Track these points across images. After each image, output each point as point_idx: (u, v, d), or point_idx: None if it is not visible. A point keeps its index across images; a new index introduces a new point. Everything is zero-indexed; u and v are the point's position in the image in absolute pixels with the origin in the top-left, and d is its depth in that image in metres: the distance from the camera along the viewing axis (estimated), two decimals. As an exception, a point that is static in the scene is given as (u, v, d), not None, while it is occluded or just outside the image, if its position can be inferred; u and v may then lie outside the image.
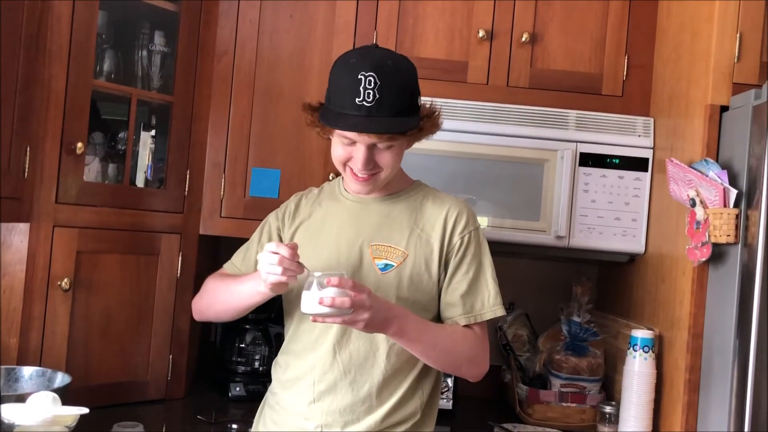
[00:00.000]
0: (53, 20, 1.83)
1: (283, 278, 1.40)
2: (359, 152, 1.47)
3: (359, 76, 1.42)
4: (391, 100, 1.43)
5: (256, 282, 1.48)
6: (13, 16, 1.69)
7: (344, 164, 1.53)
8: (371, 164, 1.49)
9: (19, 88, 1.73)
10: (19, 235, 1.83)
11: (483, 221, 2.12)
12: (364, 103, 1.42)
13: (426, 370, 1.58)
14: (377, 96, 1.42)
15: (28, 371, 1.75)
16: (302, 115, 1.57)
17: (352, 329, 1.52)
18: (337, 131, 1.48)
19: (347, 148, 1.49)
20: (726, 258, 1.71)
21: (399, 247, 1.54)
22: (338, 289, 1.33)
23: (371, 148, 1.47)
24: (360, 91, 1.42)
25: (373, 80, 1.42)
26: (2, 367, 1.73)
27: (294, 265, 1.41)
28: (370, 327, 1.39)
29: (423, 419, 1.58)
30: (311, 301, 1.34)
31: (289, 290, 1.59)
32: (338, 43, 2.19)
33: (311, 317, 1.37)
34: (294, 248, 1.42)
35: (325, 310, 1.33)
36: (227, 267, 1.71)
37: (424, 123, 1.51)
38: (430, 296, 1.55)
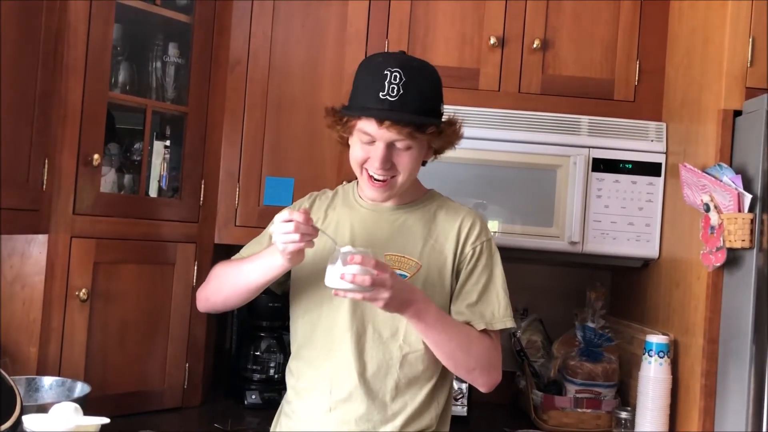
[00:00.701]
0: (70, 35, 1.86)
1: (301, 244, 1.40)
2: (378, 150, 1.47)
3: (385, 72, 1.44)
4: (414, 98, 1.44)
5: (272, 257, 1.48)
6: (32, 32, 1.72)
7: (362, 166, 1.52)
8: (389, 164, 1.48)
9: (37, 101, 1.76)
10: (37, 246, 1.85)
11: (495, 227, 2.13)
12: (388, 97, 1.43)
13: (441, 380, 1.59)
14: (401, 91, 1.43)
15: (48, 381, 1.78)
16: (323, 119, 1.57)
17: (366, 340, 1.53)
18: (358, 128, 1.49)
19: (366, 147, 1.49)
20: (741, 263, 1.71)
21: (413, 258, 1.54)
22: (361, 266, 1.34)
23: (390, 147, 1.47)
24: (385, 85, 1.43)
25: (399, 75, 1.43)
26: (23, 377, 1.76)
27: (309, 229, 1.41)
28: (390, 306, 1.39)
29: (440, 427, 1.59)
30: (334, 275, 1.36)
31: (298, 291, 1.60)
32: (350, 51, 2.20)
33: (333, 291, 1.38)
34: (307, 213, 1.42)
35: (347, 285, 1.34)
36: (235, 258, 1.69)
37: (444, 128, 1.51)
38: (442, 307, 1.55)
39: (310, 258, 1.56)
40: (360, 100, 1.48)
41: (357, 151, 1.52)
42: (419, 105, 1.45)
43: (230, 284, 1.59)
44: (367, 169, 1.52)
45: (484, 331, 1.54)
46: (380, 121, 1.44)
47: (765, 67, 1.78)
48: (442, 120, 1.52)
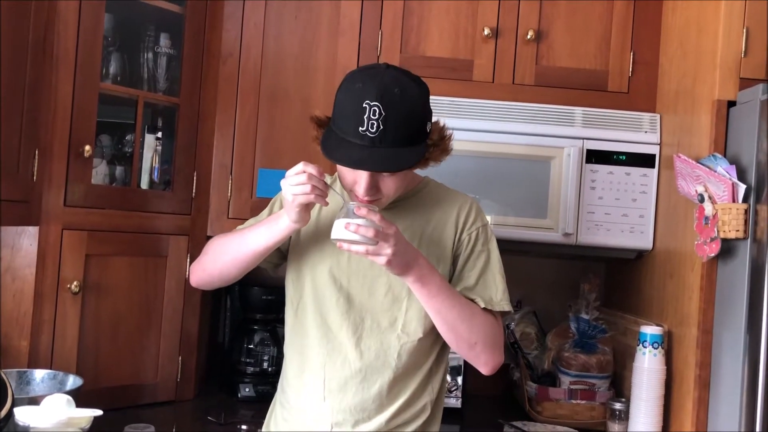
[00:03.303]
0: (60, 25, 1.84)
1: (312, 197, 1.39)
2: (362, 179, 1.44)
3: (364, 105, 1.37)
4: (395, 132, 1.39)
5: (277, 220, 1.47)
6: (21, 22, 1.70)
7: (350, 188, 1.50)
8: (374, 190, 1.46)
9: (27, 92, 1.74)
10: (28, 238, 1.83)
11: (489, 219, 2.12)
12: (368, 133, 1.38)
13: (436, 366, 1.58)
14: (381, 127, 1.37)
15: (39, 374, 1.76)
16: (310, 126, 1.54)
17: (364, 329, 1.52)
18: None
19: (351, 172, 1.45)
20: (735, 253, 1.71)
21: (411, 245, 1.53)
22: (367, 218, 1.34)
23: (374, 176, 1.44)
24: (364, 120, 1.37)
25: (378, 110, 1.37)
26: (14, 370, 1.74)
27: (322, 183, 1.40)
28: (393, 265, 1.38)
29: (433, 416, 1.59)
30: (339, 226, 1.36)
31: (294, 276, 1.58)
32: (343, 43, 2.19)
33: (337, 243, 1.38)
34: (320, 168, 1.41)
35: (351, 236, 1.34)
36: (233, 231, 1.66)
37: (431, 152, 1.47)
38: (445, 278, 1.54)
39: (308, 242, 1.56)
40: (341, 128, 1.42)
41: (343, 173, 1.48)
42: (401, 136, 1.40)
43: (231, 252, 1.56)
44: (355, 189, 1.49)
45: (486, 310, 1.53)
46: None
47: (759, 58, 1.78)
48: (429, 140, 1.46)
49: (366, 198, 1.47)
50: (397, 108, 1.38)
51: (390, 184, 1.47)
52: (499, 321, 1.56)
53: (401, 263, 1.39)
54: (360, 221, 1.35)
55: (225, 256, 1.57)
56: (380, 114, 1.37)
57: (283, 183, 1.42)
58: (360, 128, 1.38)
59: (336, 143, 1.43)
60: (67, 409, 1.41)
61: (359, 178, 1.45)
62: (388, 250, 1.36)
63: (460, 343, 1.51)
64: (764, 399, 1.60)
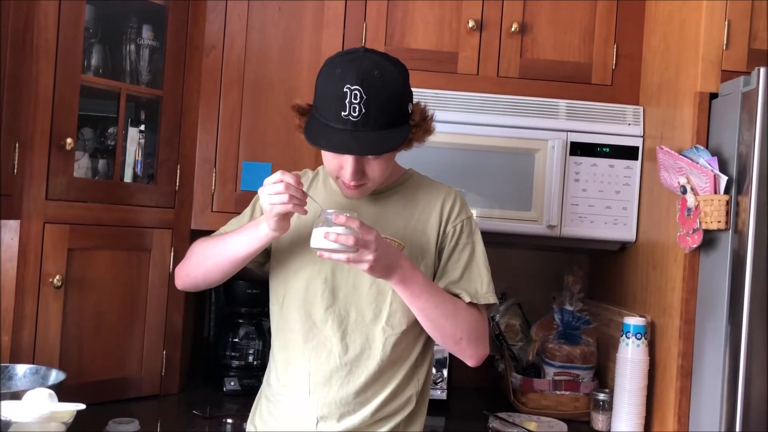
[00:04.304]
0: (40, 15, 1.81)
1: (290, 206, 1.38)
2: (347, 164, 1.44)
3: (345, 89, 1.38)
4: (377, 114, 1.39)
5: (257, 227, 1.47)
6: (0, 12, 1.67)
7: (335, 174, 1.50)
8: (359, 174, 1.46)
9: (6, 84, 1.72)
10: (9, 232, 1.81)
11: (474, 212, 2.12)
12: (350, 117, 1.38)
13: (421, 358, 1.59)
14: (363, 110, 1.38)
15: (21, 369, 1.74)
16: (293, 117, 1.53)
17: (348, 322, 1.52)
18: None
19: (336, 158, 1.46)
20: (717, 244, 1.73)
21: (395, 239, 1.53)
22: (346, 227, 1.34)
23: (359, 160, 1.45)
24: (345, 105, 1.38)
25: (359, 94, 1.37)
26: (-5, 365, 1.73)
27: (299, 192, 1.39)
28: (375, 270, 1.38)
29: (418, 407, 1.59)
30: (319, 236, 1.35)
31: (278, 272, 1.58)
32: (327, 35, 2.18)
33: (318, 253, 1.37)
34: (298, 176, 1.40)
35: (330, 245, 1.34)
36: (216, 234, 1.66)
37: (415, 133, 1.48)
38: (428, 277, 1.54)
39: (291, 236, 1.55)
40: (323, 112, 1.43)
41: (328, 160, 1.48)
42: (384, 118, 1.40)
43: (213, 258, 1.56)
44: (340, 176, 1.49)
45: (471, 304, 1.53)
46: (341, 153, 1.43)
47: (740, 50, 1.80)
48: (412, 121, 1.47)
49: (352, 183, 1.47)
50: (378, 91, 1.39)
51: (376, 168, 1.47)
52: (483, 314, 1.56)
53: (383, 267, 1.39)
54: (339, 229, 1.34)
55: (208, 261, 1.57)
56: (361, 97, 1.37)
57: (260, 191, 1.41)
58: (342, 113, 1.38)
59: (319, 129, 1.43)
60: (50, 403, 1.40)
61: (344, 164, 1.45)
62: (369, 256, 1.35)
63: (445, 338, 1.53)
64: (744, 388, 1.63)
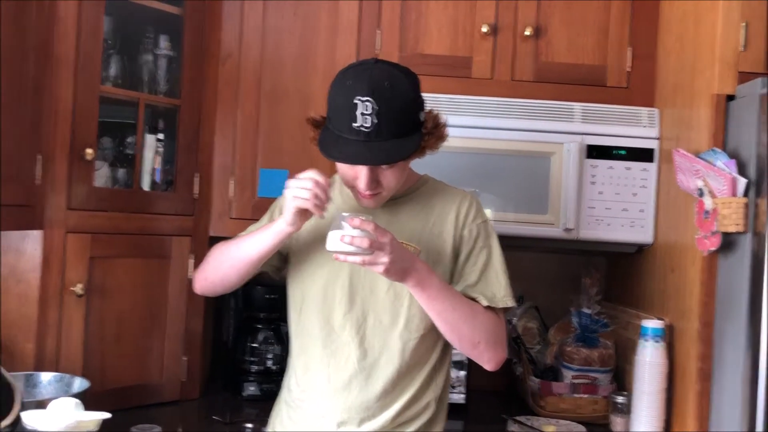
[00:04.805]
0: (60, 28, 1.84)
1: (309, 204, 1.40)
2: (362, 174, 1.46)
3: (355, 101, 1.39)
4: (389, 124, 1.40)
5: (270, 226, 1.49)
6: (22, 25, 1.70)
7: (351, 184, 1.52)
8: (374, 184, 1.47)
9: (28, 96, 1.75)
10: (32, 242, 1.84)
11: (490, 215, 2.12)
12: (362, 128, 1.39)
13: (439, 363, 1.59)
14: (375, 121, 1.39)
15: (46, 377, 1.77)
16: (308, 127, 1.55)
17: (366, 327, 1.53)
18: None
19: (351, 168, 1.47)
20: (735, 247, 1.72)
21: (411, 243, 1.54)
22: (362, 230, 1.35)
23: (374, 170, 1.46)
24: (357, 116, 1.39)
25: (370, 105, 1.38)
26: (21, 373, 1.75)
27: (324, 194, 1.41)
28: (391, 273, 1.39)
29: (437, 412, 1.59)
30: (335, 238, 1.36)
31: (295, 278, 1.60)
32: (342, 42, 2.20)
33: (333, 255, 1.38)
34: (328, 182, 1.43)
35: (346, 247, 1.35)
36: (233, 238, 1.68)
37: (427, 141, 1.48)
38: (444, 280, 1.55)
39: (308, 241, 1.57)
40: (335, 124, 1.44)
41: (343, 170, 1.50)
42: (396, 127, 1.42)
43: (229, 260, 1.58)
44: (356, 185, 1.50)
45: (488, 308, 1.54)
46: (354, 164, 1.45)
47: (758, 52, 1.78)
48: (424, 129, 1.47)
49: (367, 193, 1.48)
50: (389, 101, 1.40)
51: (390, 177, 1.48)
52: (501, 317, 1.57)
53: (398, 270, 1.40)
54: (354, 232, 1.35)
55: (224, 264, 1.59)
56: (373, 108, 1.39)
57: (289, 182, 1.44)
58: (354, 124, 1.39)
59: (332, 141, 1.44)
60: (75, 412, 1.42)
61: (359, 174, 1.46)
62: (384, 258, 1.36)
63: (463, 342, 1.53)
64: (766, 390, 1.62)
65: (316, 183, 1.40)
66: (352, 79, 1.42)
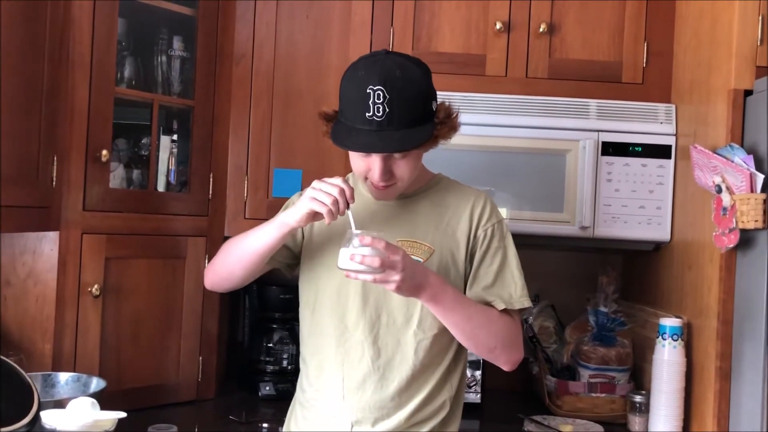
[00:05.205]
0: (75, 30, 1.85)
1: (324, 209, 1.40)
2: (375, 164, 1.46)
3: (368, 90, 1.39)
4: (401, 113, 1.40)
5: (276, 219, 1.49)
6: (37, 29, 1.72)
7: (364, 176, 1.52)
8: (388, 175, 1.47)
9: (44, 99, 1.76)
10: (48, 243, 1.86)
11: (505, 214, 2.12)
12: (375, 117, 1.39)
13: (454, 363, 1.59)
14: (387, 110, 1.39)
15: (63, 377, 1.79)
16: (321, 122, 1.55)
17: (380, 326, 1.53)
18: None
19: (364, 159, 1.48)
20: (754, 244, 1.70)
21: (425, 243, 1.54)
22: (372, 248, 1.34)
23: (387, 159, 1.46)
24: (369, 105, 1.39)
25: (382, 94, 1.39)
26: (39, 373, 1.77)
27: (344, 205, 1.41)
28: (403, 290, 1.39)
29: (452, 412, 1.59)
30: (345, 257, 1.36)
31: (308, 277, 1.60)
32: (355, 42, 2.20)
33: (345, 273, 1.38)
34: (352, 190, 1.43)
35: (357, 266, 1.34)
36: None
37: (440, 130, 1.47)
38: (458, 290, 1.54)
39: (320, 240, 1.56)
40: (348, 118, 1.45)
41: (356, 162, 1.50)
42: (408, 116, 1.42)
43: (235, 254, 1.58)
44: (369, 178, 1.51)
45: (504, 311, 1.53)
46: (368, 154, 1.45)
47: (775, 46, 1.76)
48: (437, 119, 1.47)
49: (381, 184, 1.48)
50: (401, 89, 1.40)
51: (403, 167, 1.48)
52: (517, 319, 1.56)
53: (411, 287, 1.40)
54: (365, 251, 1.34)
55: (231, 258, 1.59)
56: (385, 97, 1.39)
57: (314, 183, 1.44)
58: (367, 114, 1.40)
59: (345, 132, 1.45)
60: (92, 411, 1.43)
61: (372, 165, 1.47)
62: (396, 276, 1.35)
63: (479, 348, 1.54)
64: (787, 390, 1.60)
65: (342, 191, 1.40)
66: (364, 69, 1.43)
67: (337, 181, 1.43)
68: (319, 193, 1.41)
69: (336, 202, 1.40)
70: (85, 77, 1.88)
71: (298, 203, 1.46)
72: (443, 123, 1.48)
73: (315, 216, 1.45)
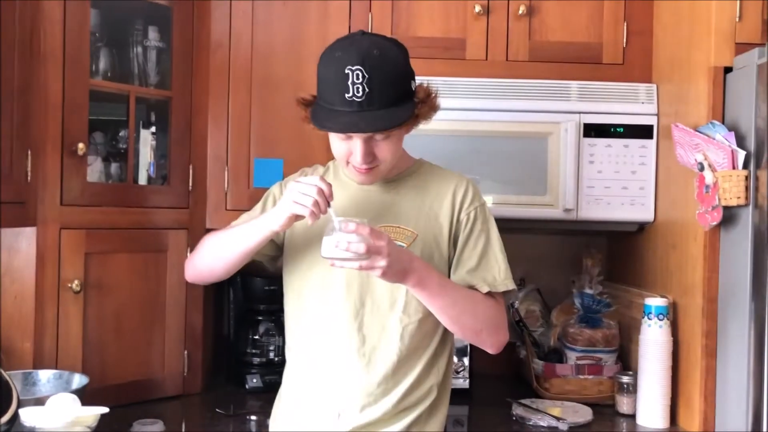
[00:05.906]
0: (45, 22, 1.81)
1: (306, 211, 1.39)
2: (357, 147, 1.45)
3: (346, 71, 1.38)
4: (381, 93, 1.39)
5: (259, 224, 1.48)
6: (5, 20, 1.67)
7: (346, 160, 1.51)
8: (370, 157, 1.46)
9: (16, 92, 1.72)
10: (26, 239, 1.82)
11: (489, 199, 2.11)
12: (354, 98, 1.38)
13: (440, 347, 1.58)
14: (367, 90, 1.38)
15: (45, 375, 1.76)
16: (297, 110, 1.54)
17: (365, 313, 1.52)
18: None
19: (345, 142, 1.47)
20: (737, 220, 1.70)
21: (408, 228, 1.53)
22: (357, 234, 1.32)
23: (368, 141, 1.45)
24: (348, 86, 1.38)
25: (360, 74, 1.37)
26: (19, 371, 1.74)
27: (325, 203, 1.39)
28: (389, 276, 1.38)
29: (439, 398, 1.58)
30: (330, 245, 1.34)
31: (291, 266, 1.59)
32: (333, 28, 2.17)
33: (330, 262, 1.37)
34: (330, 187, 1.41)
35: (342, 254, 1.33)
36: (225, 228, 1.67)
37: (420, 109, 1.47)
38: (443, 274, 1.54)
39: (304, 229, 1.55)
40: (327, 100, 1.43)
41: (337, 146, 1.49)
42: (388, 96, 1.40)
43: (216, 250, 1.57)
44: (351, 161, 1.49)
45: (488, 294, 1.53)
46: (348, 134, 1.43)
47: (754, 22, 1.76)
48: (416, 99, 1.46)
49: (363, 167, 1.47)
50: (380, 68, 1.39)
51: (385, 149, 1.47)
52: (501, 301, 1.56)
53: (396, 272, 1.39)
54: (350, 237, 1.33)
55: (212, 254, 1.58)
56: (364, 77, 1.38)
57: (292, 185, 1.42)
58: (346, 95, 1.38)
59: (325, 115, 1.43)
60: (73, 408, 1.41)
61: (354, 148, 1.45)
62: (381, 262, 1.35)
63: (465, 332, 1.54)
64: (772, 365, 1.60)
65: (320, 191, 1.39)
66: (341, 50, 1.41)
67: (315, 180, 1.41)
68: (299, 196, 1.40)
69: (316, 203, 1.39)
70: (58, 70, 1.84)
71: (279, 207, 1.45)
72: (423, 102, 1.47)
73: (297, 218, 1.44)
